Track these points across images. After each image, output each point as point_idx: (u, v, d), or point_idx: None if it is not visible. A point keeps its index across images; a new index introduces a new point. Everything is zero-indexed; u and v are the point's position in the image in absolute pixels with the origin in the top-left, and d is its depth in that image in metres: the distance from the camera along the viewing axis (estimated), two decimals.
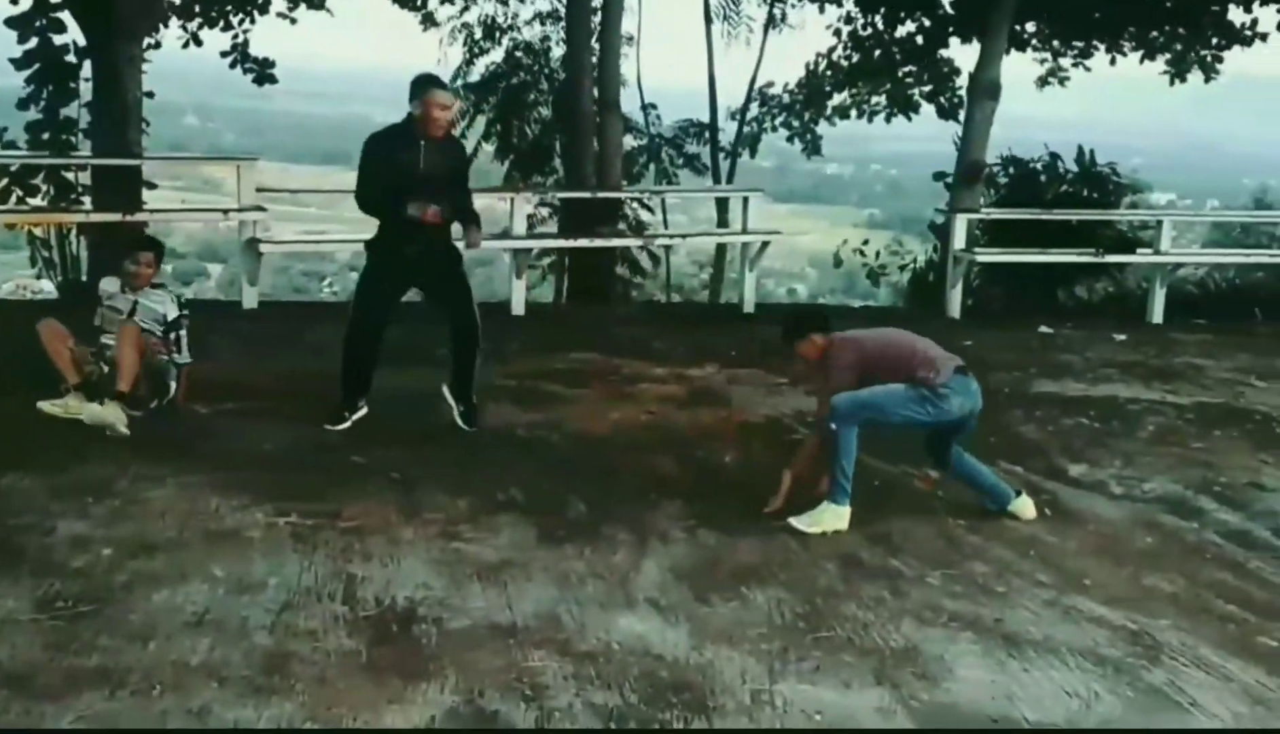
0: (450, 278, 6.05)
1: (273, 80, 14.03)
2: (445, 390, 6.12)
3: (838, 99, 15.74)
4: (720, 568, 4.51)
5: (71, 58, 10.64)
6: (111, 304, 6.14)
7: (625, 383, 7.41)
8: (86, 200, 9.98)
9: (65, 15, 10.50)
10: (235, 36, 13.88)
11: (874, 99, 15.38)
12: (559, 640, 3.82)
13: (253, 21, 14.03)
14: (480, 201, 6.65)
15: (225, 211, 9.49)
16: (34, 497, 4.76)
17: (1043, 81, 15.36)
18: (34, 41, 10.52)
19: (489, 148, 18.16)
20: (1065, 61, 15.09)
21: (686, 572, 4.45)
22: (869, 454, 5.95)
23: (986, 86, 11.94)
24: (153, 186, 10.37)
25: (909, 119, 15.15)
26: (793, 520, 4.99)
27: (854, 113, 15.67)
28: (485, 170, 19.11)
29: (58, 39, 10.57)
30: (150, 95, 10.78)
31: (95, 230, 9.74)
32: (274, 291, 9.03)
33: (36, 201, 9.87)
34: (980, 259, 11.07)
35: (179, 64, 14.33)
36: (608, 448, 6.03)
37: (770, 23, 17.31)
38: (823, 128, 16.86)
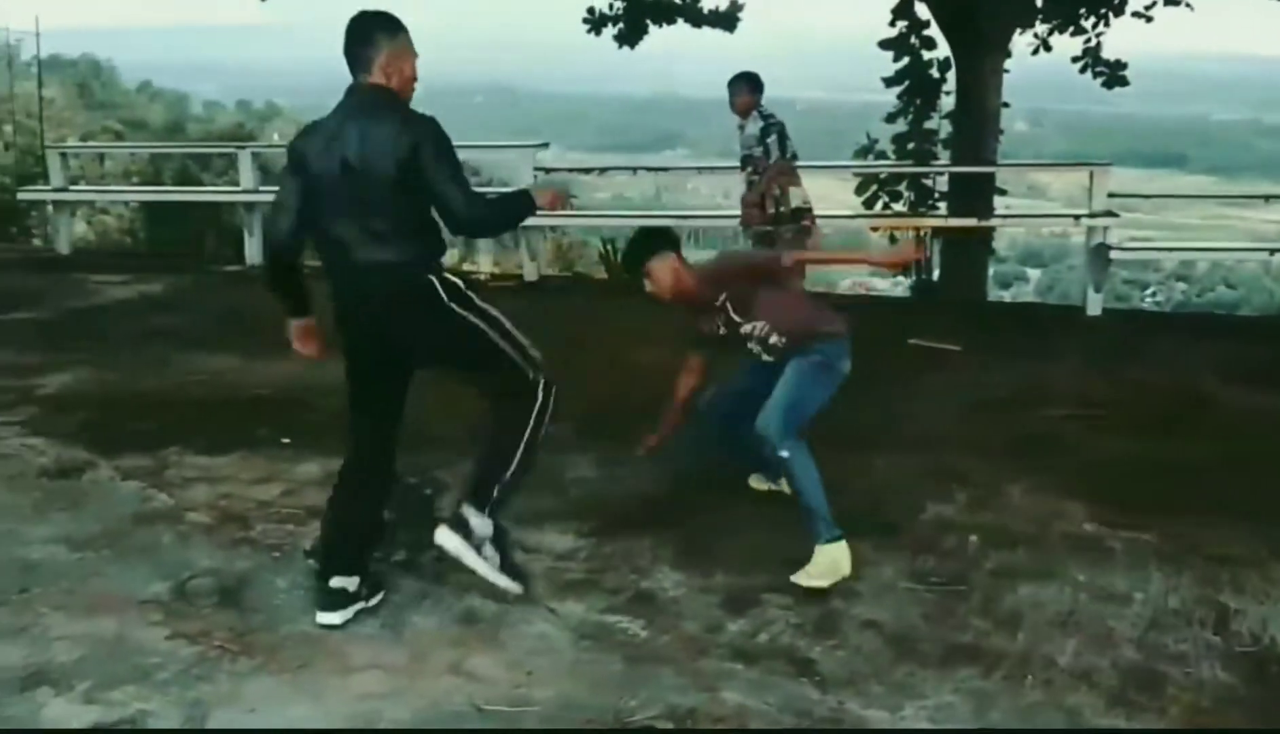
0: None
1: (1124, 82, 13.67)
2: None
3: None
4: None
5: (935, 72, 11.41)
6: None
7: None
8: (942, 206, 10.67)
9: (935, 33, 11.30)
10: (1087, 40, 13.77)
11: None
12: None
13: (1107, 24, 13.81)
14: None
15: (1076, 217, 9.51)
16: (906, 476, 5.23)
17: None
18: (905, 61, 11.49)
19: None
20: None
21: None
22: None
23: None
24: (1003, 193, 10.76)
25: None
26: (798, 579, 4.04)
27: None
28: None
29: (927, 55, 11.42)
30: (1007, 105, 11.20)
31: (949, 234, 10.43)
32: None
33: (898, 207, 10.80)
34: None
35: (1017, 71, 14.67)
36: None
37: None
38: None
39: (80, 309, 8.94)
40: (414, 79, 3.65)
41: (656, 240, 4.44)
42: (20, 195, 12.31)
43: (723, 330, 4.45)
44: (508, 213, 3.79)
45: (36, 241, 13.11)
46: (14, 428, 5.76)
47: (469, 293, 3.69)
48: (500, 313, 3.74)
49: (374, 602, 3.80)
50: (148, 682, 3.36)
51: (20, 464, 5.24)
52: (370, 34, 3.56)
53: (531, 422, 3.72)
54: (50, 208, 11.83)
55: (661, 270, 4.34)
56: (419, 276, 3.58)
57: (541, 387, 3.75)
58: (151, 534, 4.47)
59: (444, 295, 3.61)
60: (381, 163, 3.44)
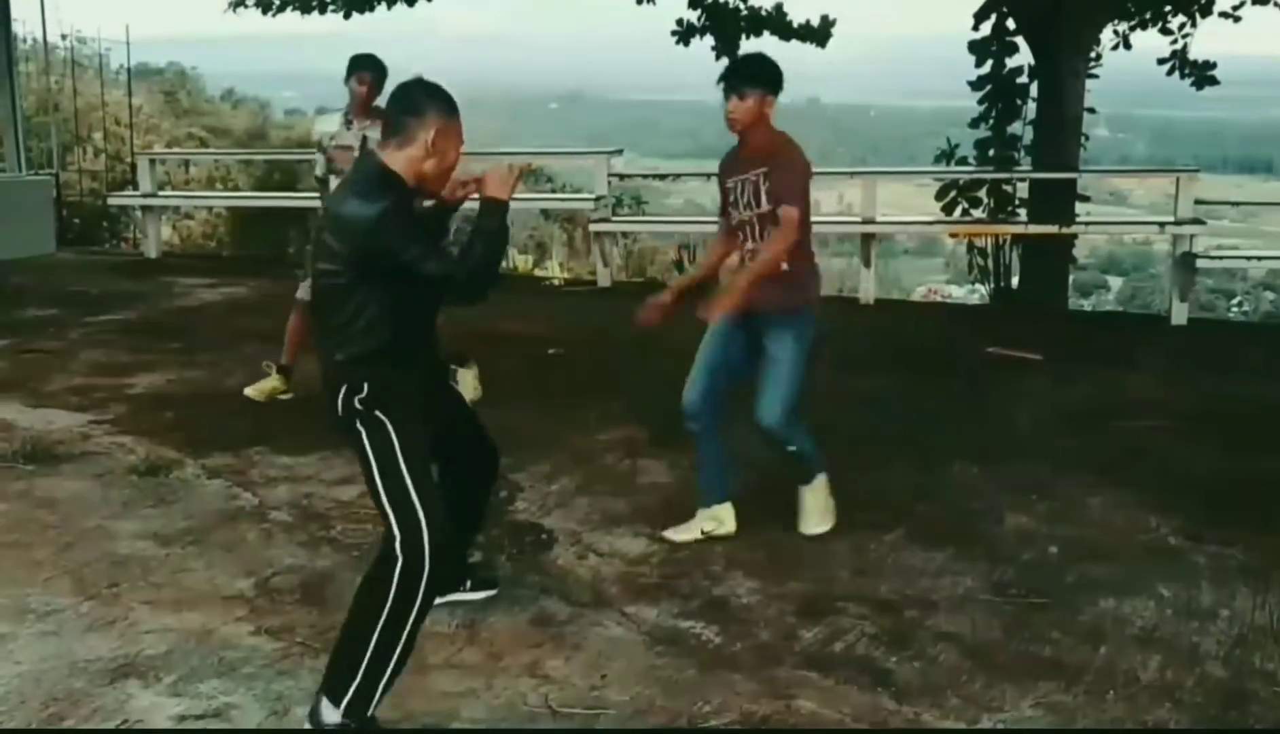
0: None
1: (1213, 82, 13.31)
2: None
3: None
4: None
5: (1023, 78, 11.22)
6: (339, 143, 5.81)
7: None
8: (1022, 212, 10.49)
9: (1019, 39, 11.11)
10: (1174, 41, 13.45)
11: None
12: None
13: (1194, 24, 13.47)
14: None
15: (1161, 224, 9.31)
16: (984, 486, 5.16)
17: None
18: (989, 65, 11.31)
19: None
20: None
21: None
22: None
23: None
24: (1085, 199, 10.54)
25: None
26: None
27: None
28: None
29: (1011, 61, 11.23)
30: (1091, 110, 10.99)
31: (1029, 241, 10.26)
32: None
33: (978, 213, 10.63)
34: None
35: (1100, 76, 14.39)
36: None
37: None
38: None
39: (169, 311, 9.18)
40: (456, 165, 3.13)
41: (769, 72, 4.29)
42: (110, 200, 12.67)
43: (737, 210, 4.42)
44: (496, 246, 3.10)
45: (123, 245, 13.48)
46: (104, 426, 5.94)
47: (379, 412, 3.07)
48: (414, 457, 3.12)
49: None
50: (232, 676, 3.44)
51: (110, 462, 5.40)
52: (418, 104, 3.05)
53: (388, 603, 2.99)
54: (139, 212, 12.17)
55: (752, 101, 4.22)
56: (337, 371, 3.10)
57: (400, 567, 3.01)
58: (236, 531, 4.58)
59: (342, 402, 3.08)
60: (336, 241, 3.01)
